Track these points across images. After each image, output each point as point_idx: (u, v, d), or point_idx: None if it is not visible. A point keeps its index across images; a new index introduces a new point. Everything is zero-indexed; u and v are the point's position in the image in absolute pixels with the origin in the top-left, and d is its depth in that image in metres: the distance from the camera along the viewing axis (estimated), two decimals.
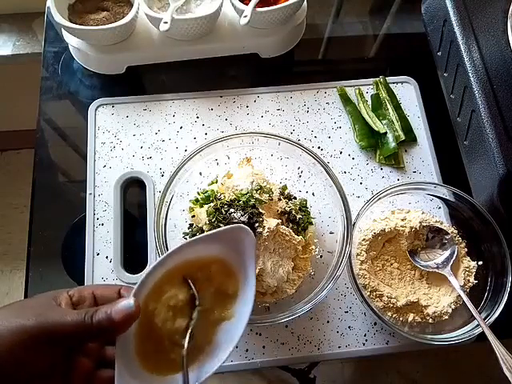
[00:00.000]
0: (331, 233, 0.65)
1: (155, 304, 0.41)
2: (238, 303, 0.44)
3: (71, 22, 0.73)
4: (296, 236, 0.59)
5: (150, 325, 0.41)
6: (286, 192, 0.66)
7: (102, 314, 0.36)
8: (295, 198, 0.66)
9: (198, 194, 0.63)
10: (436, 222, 0.66)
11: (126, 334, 0.38)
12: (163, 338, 0.41)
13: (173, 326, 0.41)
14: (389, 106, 0.78)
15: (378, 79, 0.81)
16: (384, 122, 0.77)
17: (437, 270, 0.63)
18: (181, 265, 0.43)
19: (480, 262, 0.64)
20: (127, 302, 0.37)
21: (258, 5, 0.73)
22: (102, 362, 0.41)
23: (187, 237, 0.61)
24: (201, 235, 0.44)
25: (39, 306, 0.37)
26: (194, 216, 0.61)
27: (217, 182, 0.65)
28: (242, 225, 0.45)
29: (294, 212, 0.62)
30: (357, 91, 0.80)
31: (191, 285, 0.43)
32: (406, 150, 0.76)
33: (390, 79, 0.81)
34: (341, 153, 0.76)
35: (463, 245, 0.66)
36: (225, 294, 0.44)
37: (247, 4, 0.73)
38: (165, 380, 0.41)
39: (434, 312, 0.60)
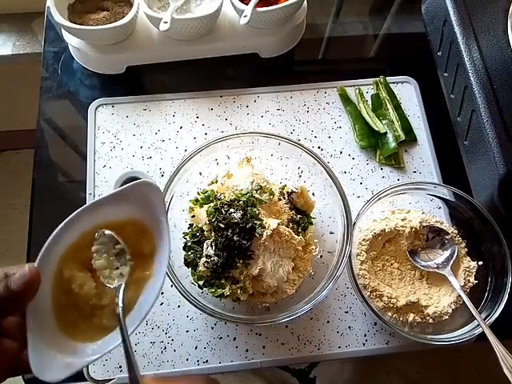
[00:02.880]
0: (331, 233, 0.65)
1: (71, 270, 0.41)
2: (155, 262, 0.44)
3: (71, 21, 0.73)
4: (296, 236, 0.59)
5: (68, 292, 0.41)
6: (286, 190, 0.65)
7: (1, 287, 0.36)
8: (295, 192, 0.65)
9: (198, 194, 0.63)
10: (436, 222, 0.66)
11: (40, 303, 0.39)
12: (84, 303, 0.41)
13: (93, 289, 0.41)
14: (389, 105, 0.78)
15: (378, 79, 0.81)
16: (384, 121, 0.77)
17: (437, 270, 0.63)
18: (92, 231, 0.43)
19: (480, 262, 0.64)
20: (23, 270, 0.37)
21: (258, 5, 0.73)
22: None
23: (187, 237, 0.61)
24: (104, 196, 0.43)
25: None
26: (193, 216, 0.61)
27: (217, 181, 0.65)
28: (147, 180, 0.44)
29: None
30: (357, 91, 0.80)
31: (116, 236, 0.42)
32: (406, 150, 0.76)
33: (390, 79, 0.81)
34: (341, 153, 0.76)
35: (463, 245, 0.66)
36: (142, 254, 0.44)
37: (247, 4, 0.73)
38: (92, 344, 0.40)
39: (434, 312, 0.60)
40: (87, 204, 0.42)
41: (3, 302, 0.36)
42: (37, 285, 0.38)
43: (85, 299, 0.41)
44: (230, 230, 0.55)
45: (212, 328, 0.64)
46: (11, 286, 0.36)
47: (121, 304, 0.40)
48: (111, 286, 0.41)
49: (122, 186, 0.71)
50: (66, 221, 0.41)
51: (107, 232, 0.42)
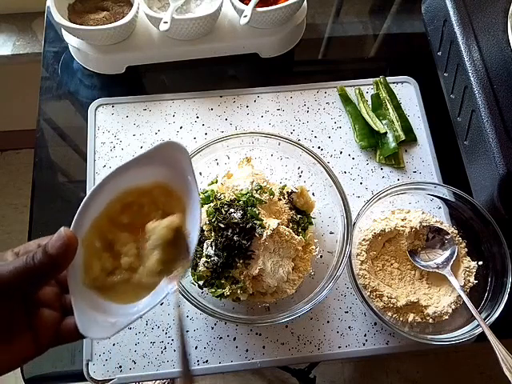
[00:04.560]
0: (331, 233, 0.64)
1: (105, 233, 0.42)
2: (187, 222, 0.43)
3: (71, 21, 0.73)
4: (296, 236, 0.59)
5: (103, 254, 0.41)
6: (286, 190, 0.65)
7: (40, 252, 0.36)
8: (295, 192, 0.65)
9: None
10: (436, 222, 0.66)
11: (75, 267, 0.39)
12: (119, 265, 0.41)
13: (129, 250, 0.42)
14: (389, 105, 0.78)
15: (378, 79, 0.81)
16: (384, 121, 0.77)
17: (437, 270, 0.63)
18: (122, 195, 0.43)
19: (480, 262, 0.64)
20: (59, 234, 0.37)
21: (258, 5, 0.73)
22: (66, 311, 0.40)
23: None
24: (130, 159, 0.42)
25: None
26: None
27: (217, 181, 0.65)
28: (172, 140, 0.43)
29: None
30: (357, 91, 0.80)
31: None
32: (406, 150, 0.76)
33: (390, 79, 0.81)
34: (341, 153, 0.76)
35: (463, 245, 0.66)
36: (172, 215, 0.43)
37: (247, 4, 0.73)
38: (134, 305, 0.40)
39: (434, 312, 0.60)
40: (113, 169, 0.42)
41: (43, 267, 0.35)
42: (74, 247, 0.37)
43: (125, 261, 0.41)
44: (229, 230, 0.55)
45: (212, 328, 0.64)
46: (49, 249, 0.36)
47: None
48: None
49: None
50: (94, 188, 0.41)
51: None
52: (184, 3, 0.76)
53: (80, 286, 0.40)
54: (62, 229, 0.37)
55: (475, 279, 0.63)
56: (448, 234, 0.65)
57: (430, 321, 0.61)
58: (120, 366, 0.62)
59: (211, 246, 0.56)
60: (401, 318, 0.61)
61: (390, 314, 0.61)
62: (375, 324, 0.65)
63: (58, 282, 0.41)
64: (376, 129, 0.75)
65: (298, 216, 0.62)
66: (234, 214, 0.56)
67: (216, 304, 0.58)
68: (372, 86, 0.81)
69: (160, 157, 0.43)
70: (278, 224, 0.56)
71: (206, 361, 0.63)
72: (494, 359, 0.53)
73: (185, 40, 0.78)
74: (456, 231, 0.67)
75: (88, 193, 0.41)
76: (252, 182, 0.60)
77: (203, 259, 0.56)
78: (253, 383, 1.39)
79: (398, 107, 0.79)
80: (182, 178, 0.43)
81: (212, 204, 0.58)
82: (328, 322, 0.65)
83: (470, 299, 0.59)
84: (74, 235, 0.37)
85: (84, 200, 0.41)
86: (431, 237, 0.66)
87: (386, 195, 0.65)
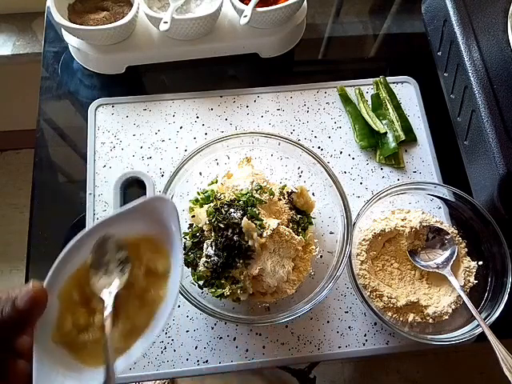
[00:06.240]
0: (331, 233, 0.64)
1: (83, 286, 0.40)
2: (169, 282, 0.42)
3: (71, 21, 0.73)
4: (296, 236, 0.59)
5: (78, 308, 0.40)
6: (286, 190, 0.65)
7: (8, 306, 0.35)
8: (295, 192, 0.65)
9: (198, 194, 0.63)
10: (436, 222, 0.66)
11: (47, 320, 0.38)
12: (90, 324, 0.40)
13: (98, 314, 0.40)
14: (389, 105, 0.78)
15: (378, 79, 0.81)
16: (384, 121, 0.77)
17: (437, 270, 0.63)
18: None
19: (480, 262, 0.64)
20: (27, 287, 0.36)
21: (258, 5, 0.73)
22: None
23: (187, 237, 0.61)
24: (111, 214, 0.41)
25: None
26: (193, 216, 0.61)
27: (217, 181, 0.65)
28: (160, 194, 0.42)
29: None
30: (357, 91, 0.80)
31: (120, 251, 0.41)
32: (406, 150, 0.76)
33: (390, 79, 0.81)
34: (341, 153, 0.76)
35: (463, 245, 0.66)
36: (155, 273, 0.42)
37: (247, 4, 0.73)
38: (95, 370, 0.39)
39: (434, 312, 0.60)
40: (96, 222, 0.41)
41: (11, 321, 0.35)
42: (43, 302, 0.37)
43: (98, 319, 0.40)
44: (229, 230, 0.55)
45: (212, 328, 0.64)
46: (17, 303, 0.36)
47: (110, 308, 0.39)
48: (102, 298, 0.40)
49: (121, 186, 0.72)
50: (74, 240, 0.40)
51: (111, 235, 0.41)
52: (184, 3, 0.76)
53: (48, 340, 0.38)
54: (31, 282, 0.37)
55: (475, 279, 0.63)
56: (448, 233, 0.65)
57: (430, 321, 0.61)
58: None
59: (211, 246, 0.56)
60: (401, 318, 0.61)
61: (390, 313, 0.61)
62: (375, 324, 0.65)
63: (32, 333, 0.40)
64: (376, 129, 0.75)
65: (298, 216, 0.62)
66: (234, 214, 0.56)
67: (216, 304, 0.58)
68: (372, 86, 0.81)
69: (145, 211, 0.42)
70: (278, 224, 0.56)
71: (206, 361, 0.63)
72: (494, 359, 0.53)
73: (185, 40, 0.78)
74: (456, 231, 0.67)
75: (67, 246, 0.40)
76: (252, 182, 0.60)
77: (203, 259, 0.56)
78: (253, 383, 1.39)
79: (398, 107, 0.79)
80: (167, 232, 0.42)
81: (212, 204, 0.58)
82: (328, 322, 0.65)
83: (470, 299, 0.59)
84: (43, 289, 0.37)
85: (61, 253, 0.39)
86: (431, 237, 0.66)
87: (386, 195, 0.65)
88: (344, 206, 0.60)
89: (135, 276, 0.42)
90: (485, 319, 0.58)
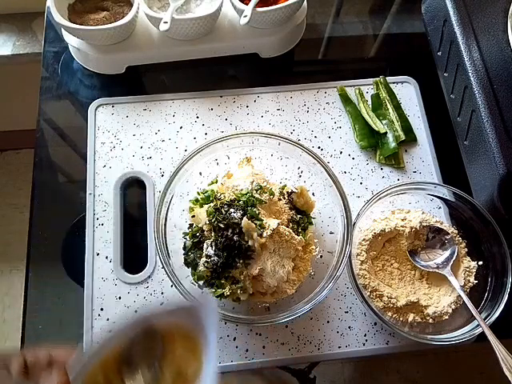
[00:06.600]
0: (331, 233, 0.64)
1: (108, 373, 0.40)
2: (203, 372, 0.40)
3: (71, 21, 0.73)
4: (296, 236, 0.59)
5: None
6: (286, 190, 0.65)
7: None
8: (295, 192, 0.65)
9: (198, 194, 0.63)
10: (436, 222, 0.66)
11: None
12: None
13: None
14: (389, 105, 0.78)
15: (378, 79, 0.81)
16: (384, 121, 0.77)
17: (437, 270, 0.63)
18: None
19: (480, 262, 0.64)
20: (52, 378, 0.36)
21: (258, 5, 0.73)
22: None
23: (187, 237, 0.61)
24: (155, 310, 0.41)
25: None
26: (193, 216, 0.61)
27: (217, 181, 0.65)
28: (210, 300, 0.42)
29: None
30: (357, 91, 0.80)
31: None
32: (406, 150, 0.76)
33: (390, 79, 0.81)
34: (341, 153, 0.76)
35: (463, 245, 0.66)
36: (185, 377, 0.41)
37: (247, 4, 0.73)
38: None
39: (434, 312, 0.60)
40: (139, 315, 0.40)
41: None
42: None
43: None
44: (229, 230, 0.55)
45: None
46: None
47: None
48: None
49: (121, 186, 0.72)
50: (114, 331, 0.39)
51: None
52: (184, 3, 0.76)
53: None
54: (56, 374, 0.37)
55: (475, 279, 0.63)
56: (448, 233, 0.65)
57: (430, 321, 0.61)
58: None
59: (211, 246, 0.56)
60: (401, 318, 0.61)
61: (390, 313, 0.61)
62: (375, 324, 0.65)
63: None
64: (376, 129, 0.75)
65: (298, 216, 0.62)
66: (234, 214, 0.56)
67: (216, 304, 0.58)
68: (372, 86, 0.81)
69: (189, 313, 0.41)
70: (278, 224, 0.56)
71: None
72: (494, 359, 0.53)
73: (185, 40, 0.78)
74: (456, 231, 0.67)
75: (106, 336, 0.39)
76: (252, 182, 0.60)
77: (203, 259, 0.56)
78: (253, 383, 1.39)
79: (398, 107, 0.79)
80: (204, 335, 0.40)
81: (212, 204, 0.58)
82: (328, 321, 0.65)
83: (470, 299, 0.59)
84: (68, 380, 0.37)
85: (98, 343, 0.39)
86: (431, 237, 0.66)
87: (386, 195, 0.65)
88: (344, 205, 0.60)
89: (164, 378, 0.41)
90: (485, 319, 0.58)
